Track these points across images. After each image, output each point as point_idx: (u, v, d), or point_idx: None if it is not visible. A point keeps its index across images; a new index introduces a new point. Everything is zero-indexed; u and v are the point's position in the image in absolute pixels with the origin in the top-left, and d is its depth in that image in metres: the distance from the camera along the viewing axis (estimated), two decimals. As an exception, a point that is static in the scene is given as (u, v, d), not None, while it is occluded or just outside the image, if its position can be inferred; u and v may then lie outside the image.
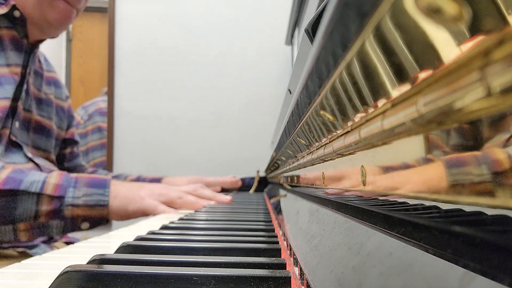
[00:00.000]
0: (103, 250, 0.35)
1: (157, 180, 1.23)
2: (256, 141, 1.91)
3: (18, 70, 0.91)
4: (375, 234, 0.20)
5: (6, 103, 0.86)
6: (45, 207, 0.76)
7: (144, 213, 0.83)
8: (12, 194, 0.75)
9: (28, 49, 0.93)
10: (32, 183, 0.76)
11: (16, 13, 0.89)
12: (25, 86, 0.93)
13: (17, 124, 0.91)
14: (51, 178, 0.78)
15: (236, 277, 0.26)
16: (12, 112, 0.89)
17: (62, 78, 2.69)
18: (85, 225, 0.80)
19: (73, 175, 0.82)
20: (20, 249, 0.89)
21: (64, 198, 0.77)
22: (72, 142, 1.16)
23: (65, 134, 1.13)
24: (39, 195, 0.76)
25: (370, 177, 0.20)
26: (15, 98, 0.90)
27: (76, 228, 0.80)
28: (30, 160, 0.91)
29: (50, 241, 0.97)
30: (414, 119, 0.14)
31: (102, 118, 2.02)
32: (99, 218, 0.81)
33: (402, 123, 0.15)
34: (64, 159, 1.14)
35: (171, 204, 0.85)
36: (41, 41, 0.98)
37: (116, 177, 1.21)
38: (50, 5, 0.88)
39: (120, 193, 0.83)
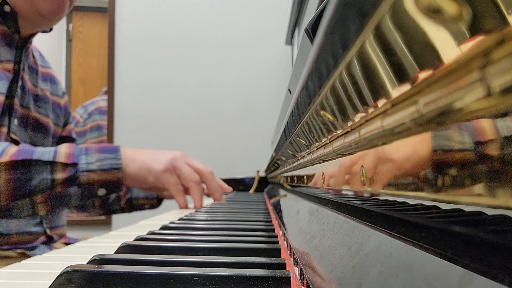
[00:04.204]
0: (103, 250, 0.35)
1: None
2: (256, 141, 1.91)
3: (10, 66, 0.89)
4: (375, 234, 0.20)
5: (0, 99, 0.85)
6: (60, 175, 0.76)
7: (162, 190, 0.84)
8: (26, 165, 0.74)
9: (20, 45, 0.91)
10: (44, 153, 0.76)
11: (7, 8, 0.86)
12: (20, 83, 0.91)
13: (15, 121, 0.90)
14: (61, 148, 0.78)
15: (236, 277, 0.26)
16: (8, 109, 0.88)
17: (62, 78, 2.69)
18: (101, 191, 0.80)
19: (82, 145, 0.82)
20: (19, 250, 0.88)
21: (78, 164, 0.77)
22: (69, 139, 1.14)
23: (62, 132, 1.11)
24: (52, 163, 0.76)
25: (370, 177, 0.20)
26: (10, 95, 0.88)
27: (93, 195, 0.80)
28: None
29: (49, 242, 0.97)
30: (414, 119, 0.14)
31: (102, 117, 2.02)
32: (116, 183, 0.81)
33: (402, 123, 0.15)
34: None
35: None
36: (33, 35, 0.95)
37: None
38: None
39: (138, 157, 0.84)
